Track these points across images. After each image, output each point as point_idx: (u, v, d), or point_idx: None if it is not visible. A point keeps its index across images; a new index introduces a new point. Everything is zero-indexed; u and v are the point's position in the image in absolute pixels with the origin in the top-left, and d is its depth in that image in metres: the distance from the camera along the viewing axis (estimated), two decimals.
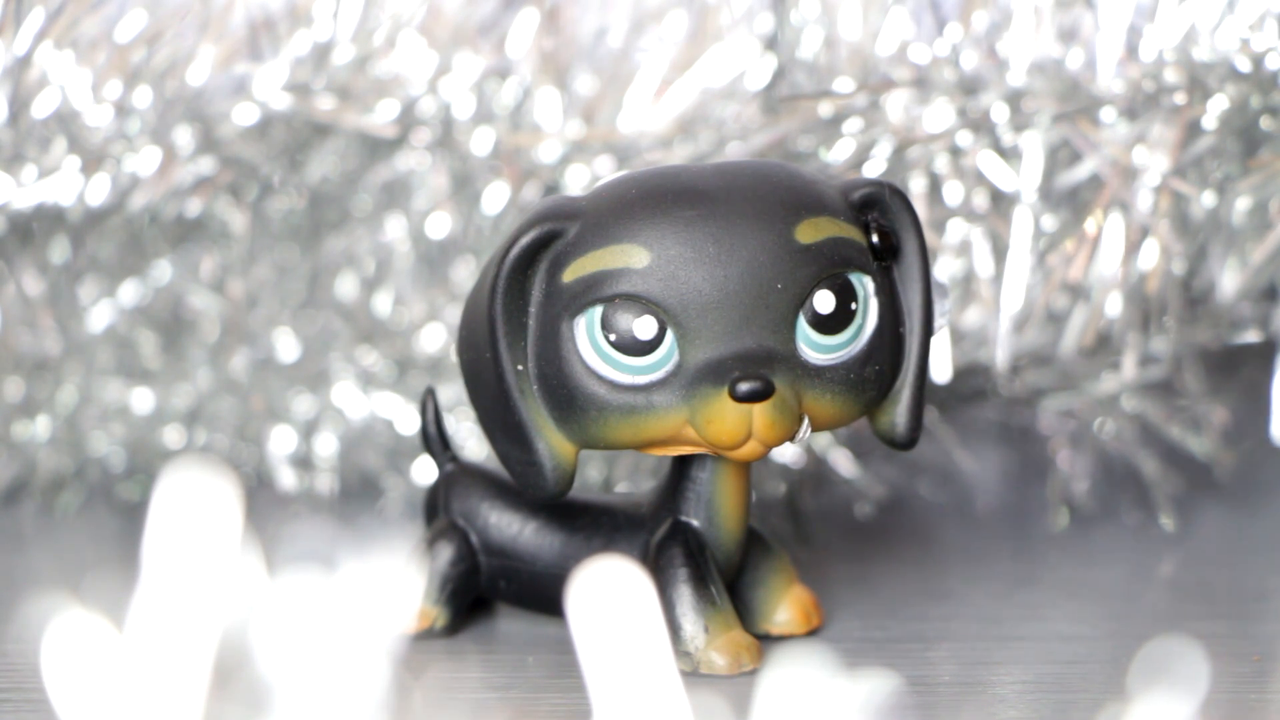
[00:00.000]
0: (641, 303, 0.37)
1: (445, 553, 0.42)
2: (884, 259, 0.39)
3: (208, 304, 0.51)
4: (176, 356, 0.52)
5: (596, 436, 0.38)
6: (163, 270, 0.51)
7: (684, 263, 0.37)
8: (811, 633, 0.42)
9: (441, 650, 0.41)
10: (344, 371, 0.51)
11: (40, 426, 0.52)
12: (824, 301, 0.38)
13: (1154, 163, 0.47)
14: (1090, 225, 0.47)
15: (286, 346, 0.52)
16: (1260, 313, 0.50)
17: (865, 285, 0.39)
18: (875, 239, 0.39)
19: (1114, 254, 0.47)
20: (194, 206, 0.50)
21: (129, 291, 0.51)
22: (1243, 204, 0.48)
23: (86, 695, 0.26)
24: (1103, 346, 0.50)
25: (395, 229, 0.51)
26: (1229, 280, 0.49)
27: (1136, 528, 0.50)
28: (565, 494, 0.39)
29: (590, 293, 0.38)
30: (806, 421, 0.38)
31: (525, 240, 0.38)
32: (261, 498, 0.51)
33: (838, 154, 0.47)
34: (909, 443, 0.40)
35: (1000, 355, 0.48)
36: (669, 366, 0.38)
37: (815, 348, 0.38)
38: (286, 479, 0.51)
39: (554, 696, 0.38)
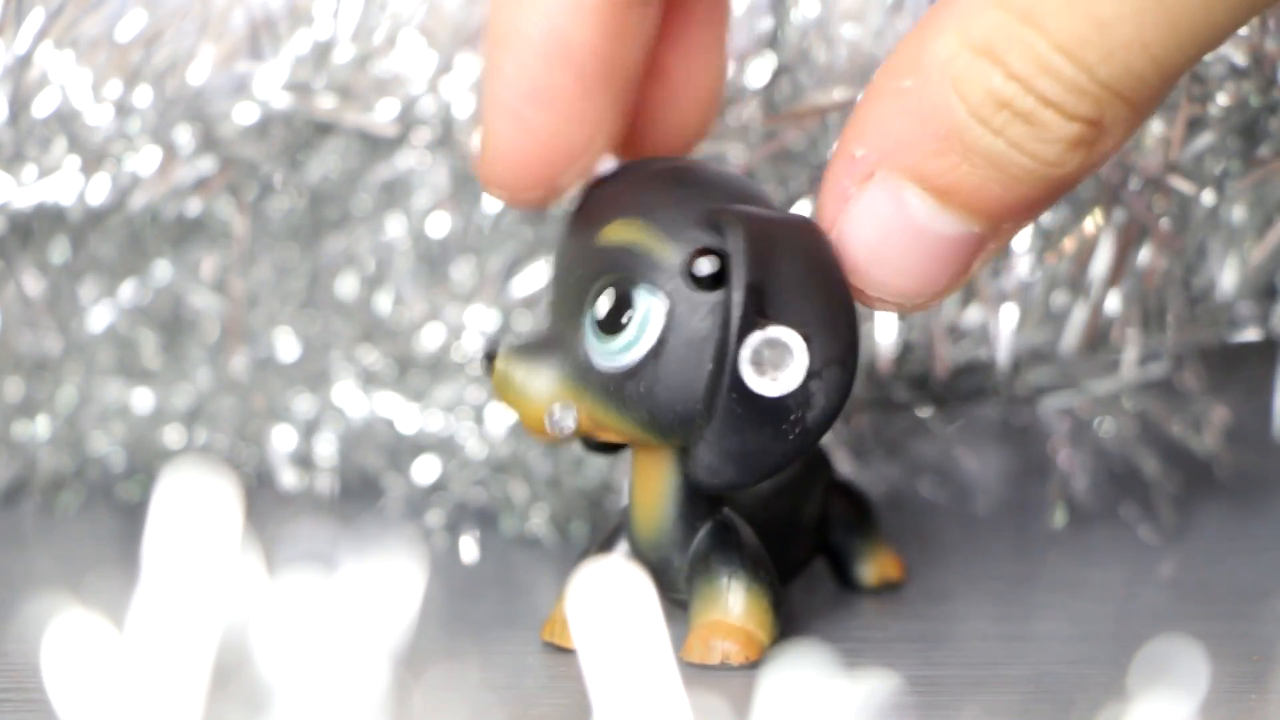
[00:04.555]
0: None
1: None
2: (706, 288, 0.37)
3: (208, 304, 0.51)
4: (176, 356, 0.52)
5: None
6: (163, 270, 0.51)
7: (558, 243, 0.40)
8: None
9: (441, 650, 0.41)
10: (344, 371, 0.51)
11: (40, 426, 0.52)
12: (601, 304, 0.38)
13: (1153, 161, 0.47)
14: (1089, 223, 0.47)
15: (286, 346, 0.51)
16: (1260, 311, 0.50)
17: (649, 303, 0.37)
18: (695, 266, 0.37)
19: (1113, 252, 0.47)
20: (194, 206, 0.50)
21: (129, 291, 0.51)
22: (1242, 202, 0.48)
23: (86, 695, 0.26)
24: (1103, 344, 0.50)
25: (395, 228, 0.50)
26: (1229, 278, 0.49)
27: (1136, 527, 0.50)
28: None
29: None
30: (560, 411, 0.38)
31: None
32: (261, 498, 0.51)
33: None
34: (706, 486, 0.38)
35: (1000, 353, 0.48)
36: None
37: (593, 347, 0.38)
38: (287, 479, 0.51)
39: (554, 697, 0.38)
